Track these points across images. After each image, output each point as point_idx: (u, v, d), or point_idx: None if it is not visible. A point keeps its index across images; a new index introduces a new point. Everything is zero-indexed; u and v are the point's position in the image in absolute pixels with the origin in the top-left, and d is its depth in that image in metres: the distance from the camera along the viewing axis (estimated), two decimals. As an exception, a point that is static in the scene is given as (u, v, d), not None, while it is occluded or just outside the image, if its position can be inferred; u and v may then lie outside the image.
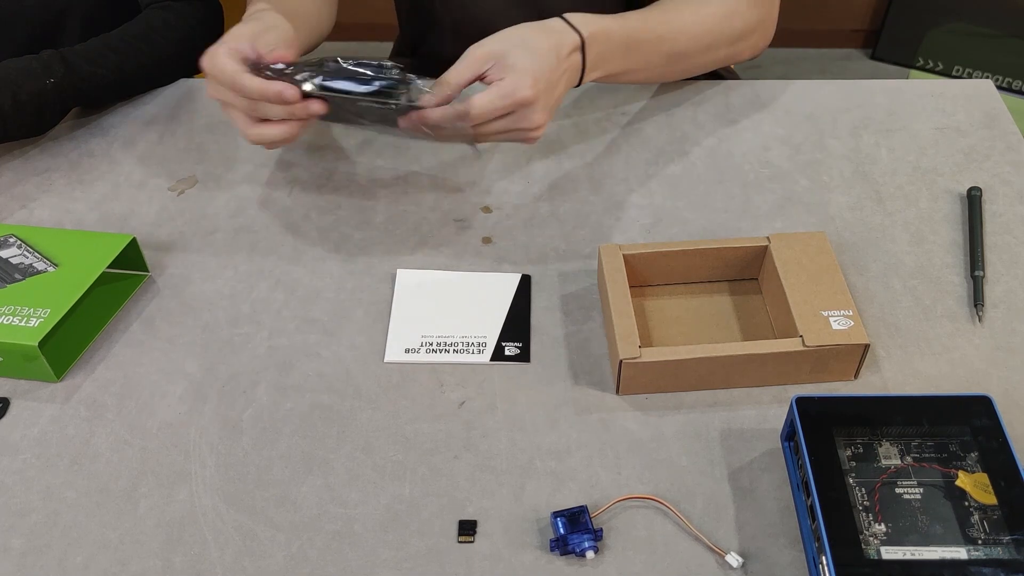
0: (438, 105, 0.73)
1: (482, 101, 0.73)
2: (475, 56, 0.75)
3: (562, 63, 0.77)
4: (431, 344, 0.73)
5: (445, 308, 0.75)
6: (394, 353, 0.72)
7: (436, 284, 0.77)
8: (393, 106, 0.73)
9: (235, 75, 0.71)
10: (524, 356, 0.72)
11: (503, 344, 0.73)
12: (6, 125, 0.85)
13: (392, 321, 0.74)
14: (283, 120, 0.74)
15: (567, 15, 0.80)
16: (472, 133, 0.76)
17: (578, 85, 0.81)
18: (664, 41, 0.86)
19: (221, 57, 0.72)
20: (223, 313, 0.76)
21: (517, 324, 0.74)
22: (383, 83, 0.73)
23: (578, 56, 0.79)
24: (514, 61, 0.74)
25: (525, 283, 0.77)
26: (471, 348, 0.72)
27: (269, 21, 0.78)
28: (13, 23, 0.96)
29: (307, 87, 0.72)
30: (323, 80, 0.72)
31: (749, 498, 0.63)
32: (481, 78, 0.75)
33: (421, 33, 1.10)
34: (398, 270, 0.78)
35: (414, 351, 0.72)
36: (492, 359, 0.72)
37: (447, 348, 0.72)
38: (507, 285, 0.77)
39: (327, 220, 0.83)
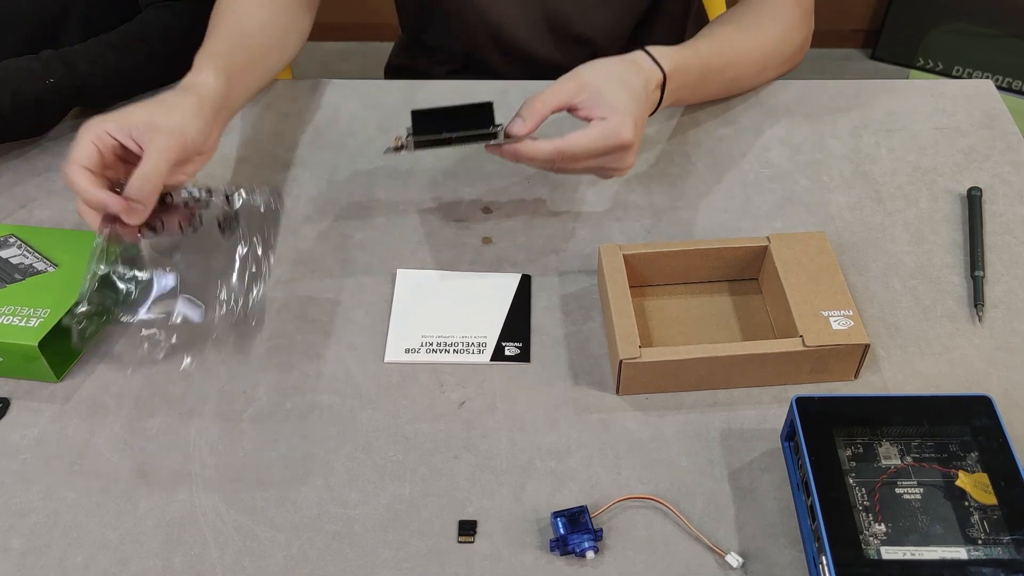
0: (528, 132, 0.73)
1: (583, 141, 0.72)
2: (567, 85, 0.74)
3: (648, 100, 0.77)
4: (431, 344, 0.73)
5: (445, 308, 0.75)
6: (394, 353, 0.72)
7: (436, 284, 0.77)
8: (490, 139, 0.73)
9: (76, 179, 0.67)
10: (524, 356, 0.72)
11: (503, 344, 0.73)
12: (6, 125, 0.85)
13: (392, 321, 0.74)
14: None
15: (651, 49, 0.79)
16: (557, 167, 0.75)
17: (651, 115, 0.80)
18: (729, 68, 0.88)
19: (76, 163, 0.68)
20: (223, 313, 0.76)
21: (517, 324, 0.74)
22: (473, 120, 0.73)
23: (659, 92, 0.79)
24: (614, 100, 0.73)
25: (525, 283, 0.77)
26: (471, 348, 0.72)
27: (181, 110, 0.72)
28: (13, 23, 0.96)
29: (405, 146, 0.73)
30: (417, 137, 0.73)
31: (749, 498, 0.63)
32: (572, 108, 0.74)
33: (424, 30, 1.10)
34: (398, 270, 0.78)
35: (414, 351, 0.72)
36: (492, 359, 0.72)
37: (447, 348, 0.72)
38: (507, 285, 0.77)
39: (327, 220, 0.83)
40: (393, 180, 0.87)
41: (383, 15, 1.03)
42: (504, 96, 0.95)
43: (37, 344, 0.67)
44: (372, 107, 0.95)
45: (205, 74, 0.77)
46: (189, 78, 0.77)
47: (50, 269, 0.72)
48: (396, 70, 1.19)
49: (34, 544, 0.61)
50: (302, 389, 0.70)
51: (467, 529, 0.61)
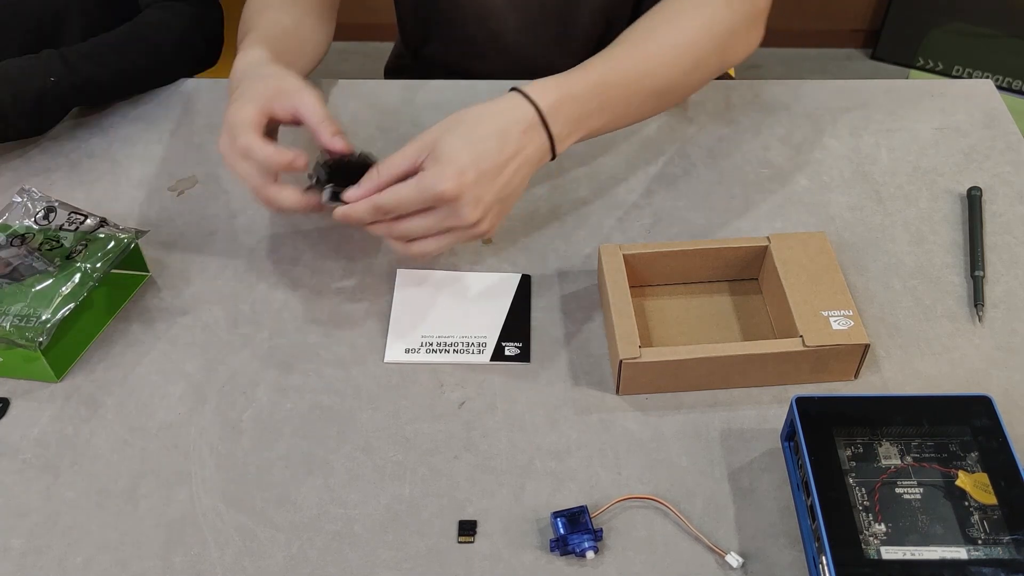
0: (359, 199, 0.68)
1: (397, 194, 0.67)
2: (413, 145, 0.69)
3: (509, 146, 0.68)
4: (431, 344, 0.73)
5: (445, 308, 0.75)
6: (394, 353, 0.72)
7: (436, 284, 0.77)
8: (324, 199, 0.70)
9: (250, 143, 0.70)
10: (524, 356, 0.72)
11: (503, 344, 0.73)
12: (6, 125, 0.85)
13: (392, 321, 0.74)
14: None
15: (524, 85, 0.71)
16: (397, 233, 0.69)
17: (552, 159, 0.73)
18: (644, 78, 0.76)
19: (244, 122, 0.70)
20: (223, 313, 0.76)
21: (517, 324, 0.74)
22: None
23: (539, 132, 0.70)
24: (444, 150, 0.67)
25: (525, 283, 0.77)
26: (471, 348, 0.72)
27: (281, 80, 0.74)
28: (13, 23, 0.96)
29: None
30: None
31: (749, 498, 0.63)
32: (420, 171, 0.68)
33: (424, 44, 1.10)
34: (398, 270, 0.78)
35: (414, 351, 0.72)
36: (492, 359, 0.72)
37: (447, 348, 0.72)
38: (507, 285, 0.77)
39: (327, 220, 0.83)
40: (393, 180, 0.87)
41: (383, 15, 1.03)
42: (504, 96, 0.95)
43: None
44: (372, 107, 0.95)
45: (257, 52, 0.78)
46: (242, 59, 0.78)
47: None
48: (396, 70, 1.19)
49: (34, 544, 0.61)
50: (302, 389, 0.70)
51: (467, 529, 0.61)
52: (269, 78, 0.74)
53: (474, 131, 0.68)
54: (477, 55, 1.04)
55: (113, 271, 0.74)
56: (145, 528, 0.62)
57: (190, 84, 0.98)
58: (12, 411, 0.69)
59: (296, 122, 0.73)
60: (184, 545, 0.61)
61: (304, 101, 0.72)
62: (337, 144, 0.71)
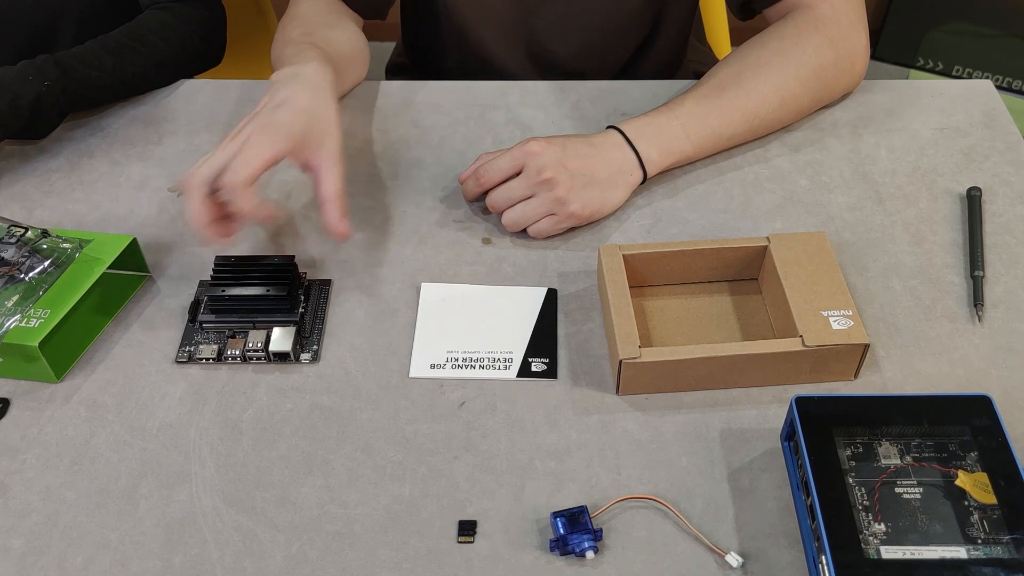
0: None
1: (491, 161, 0.78)
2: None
3: (596, 144, 0.80)
4: (457, 359, 0.72)
5: (470, 322, 0.74)
6: (419, 369, 0.71)
7: (461, 297, 0.76)
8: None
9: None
10: (551, 372, 0.71)
11: (530, 360, 0.72)
12: (3, 131, 0.84)
13: (417, 336, 0.73)
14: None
15: (636, 143, 0.80)
16: (495, 198, 0.78)
17: (644, 175, 0.82)
18: (740, 136, 0.86)
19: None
20: (223, 313, 0.76)
21: (544, 339, 0.73)
22: None
23: (636, 174, 0.81)
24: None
25: (551, 297, 0.76)
26: (497, 364, 0.71)
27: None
28: (10, 25, 0.96)
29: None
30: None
31: (749, 498, 0.63)
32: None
33: (427, 52, 1.10)
34: (422, 284, 0.77)
35: (439, 367, 0.71)
36: (519, 375, 0.70)
37: (473, 364, 0.71)
38: (533, 299, 0.76)
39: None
40: (393, 180, 0.87)
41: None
42: (504, 97, 0.95)
43: (37, 344, 0.67)
44: (372, 107, 0.95)
45: (315, 65, 0.79)
46: (298, 69, 0.78)
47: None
48: (396, 70, 1.19)
49: (34, 544, 0.62)
50: (302, 389, 0.70)
51: (467, 529, 0.61)
52: (305, 113, 0.74)
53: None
54: (475, 74, 1.04)
55: (113, 271, 0.74)
56: (145, 528, 0.62)
57: (190, 84, 0.98)
58: (12, 411, 0.69)
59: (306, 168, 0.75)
60: (184, 545, 0.61)
61: (325, 165, 0.73)
62: (342, 228, 0.73)
